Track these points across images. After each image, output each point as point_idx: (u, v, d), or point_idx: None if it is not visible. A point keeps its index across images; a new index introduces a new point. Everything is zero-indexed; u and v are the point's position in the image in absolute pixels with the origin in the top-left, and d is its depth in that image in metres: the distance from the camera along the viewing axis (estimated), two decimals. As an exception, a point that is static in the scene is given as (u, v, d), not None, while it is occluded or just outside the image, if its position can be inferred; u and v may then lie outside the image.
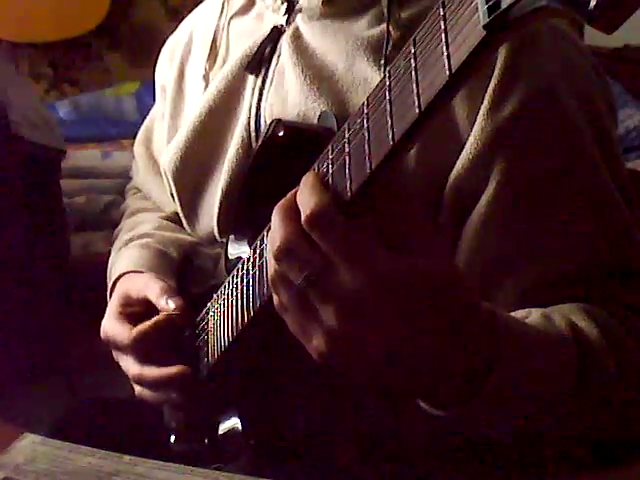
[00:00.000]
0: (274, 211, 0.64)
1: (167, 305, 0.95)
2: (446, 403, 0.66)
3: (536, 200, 0.82)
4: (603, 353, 0.73)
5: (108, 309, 1.02)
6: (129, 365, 0.97)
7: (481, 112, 0.81)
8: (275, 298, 0.66)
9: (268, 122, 0.91)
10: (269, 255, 0.64)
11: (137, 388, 0.98)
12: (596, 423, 0.75)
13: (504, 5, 0.44)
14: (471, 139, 0.82)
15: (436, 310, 0.61)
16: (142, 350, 0.95)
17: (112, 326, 0.98)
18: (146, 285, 0.99)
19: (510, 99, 0.81)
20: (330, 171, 0.63)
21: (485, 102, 0.81)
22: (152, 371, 0.94)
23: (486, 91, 0.81)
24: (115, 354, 0.99)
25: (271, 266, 0.64)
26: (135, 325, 0.96)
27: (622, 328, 0.78)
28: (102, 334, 1.00)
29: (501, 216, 0.82)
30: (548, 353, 0.71)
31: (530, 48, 0.82)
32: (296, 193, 0.64)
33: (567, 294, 0.80)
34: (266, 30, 0.96)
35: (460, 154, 0.83)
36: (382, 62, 0.85)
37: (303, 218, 0.61)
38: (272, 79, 0.94)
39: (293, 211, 0.63)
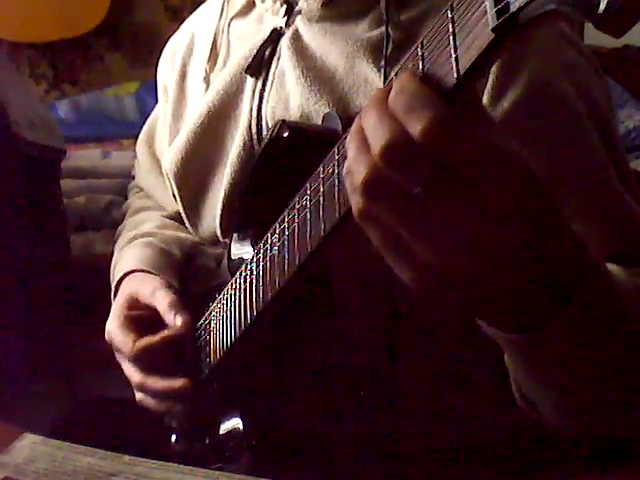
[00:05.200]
0: (367, 105, 0.55)
1: (174, 321, 0.94)
2: (524, 325, 0.60)
3: None
4: None
5: (113, 309, 1.02)
6: (131, 373, 0.97)
7: None
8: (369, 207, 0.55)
9: (270, 124, 0.91)
10: (371, 161, 0.53)
11: (138, 395, 0.98)
12: None
13: (513, 8, 0.44)
14: None
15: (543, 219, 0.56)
16: (144, 362, 0.95)
17: (116, 332, 0.98)
18: (154, 293, 0.98)
19: (509, 92, 0.81)
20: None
21: (485, 97, 0.81)
22: (155, 382, 0.94)
23: (485, 87, 0.81)
24: (117, 357, 1.00)
25: (370, 170, 0.53)
26: (139, 332, 0.96)
27: None
28: (106, 335, 1.00)
29: None
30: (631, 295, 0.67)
31: (526, 43, 0.81)
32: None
33: None
34: (266, 32, 0.96)
35: None
36: (382, 63, 0.85)
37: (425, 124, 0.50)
38: (272, 81, 0.94)
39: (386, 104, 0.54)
